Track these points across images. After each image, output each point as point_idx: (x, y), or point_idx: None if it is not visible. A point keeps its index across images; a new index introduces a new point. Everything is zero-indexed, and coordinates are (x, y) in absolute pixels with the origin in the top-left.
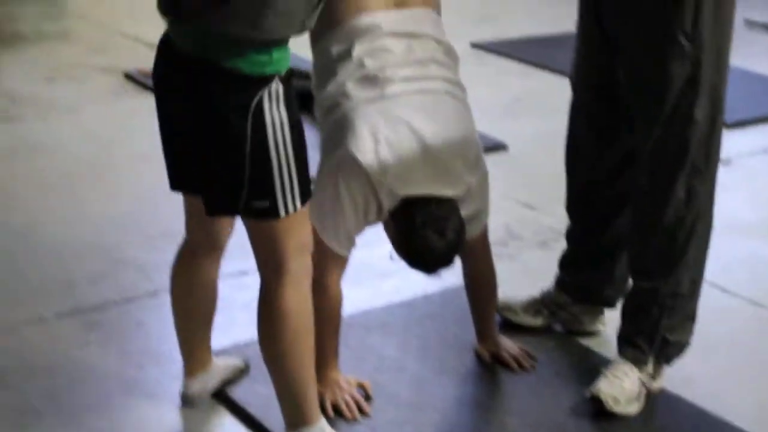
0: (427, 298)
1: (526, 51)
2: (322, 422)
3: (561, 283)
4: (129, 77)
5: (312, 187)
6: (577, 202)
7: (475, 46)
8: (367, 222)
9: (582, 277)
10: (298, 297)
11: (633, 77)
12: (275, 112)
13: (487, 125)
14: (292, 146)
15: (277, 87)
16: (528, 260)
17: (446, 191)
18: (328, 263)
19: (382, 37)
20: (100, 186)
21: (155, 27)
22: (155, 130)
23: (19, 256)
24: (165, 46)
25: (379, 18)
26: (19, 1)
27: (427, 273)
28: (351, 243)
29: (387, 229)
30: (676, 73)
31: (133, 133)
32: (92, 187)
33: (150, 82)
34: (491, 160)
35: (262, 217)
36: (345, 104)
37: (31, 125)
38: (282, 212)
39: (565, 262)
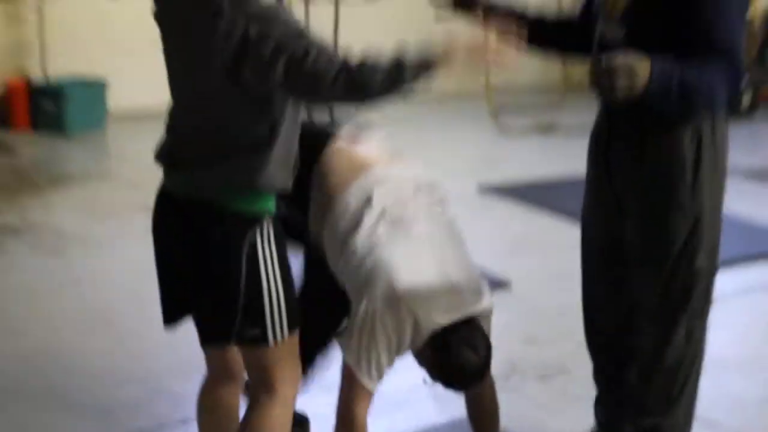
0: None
1: (527, 194)
2: None
3: (599, 423)
4: None
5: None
6: (596, 349)
7: (482, 188)
8: (398, 355)
9: (607, 414)
10: (285, 417)
11: (638, 231)
12: (266, 249)
13: (490, 263)
14: (281, 280)
15: (268, 225)
16: (530, 394)
17: (467, 311)
18: (357, 396)
19: (395, 182)
20: (140, 317)
21: None
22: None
23: (59, 381)
24: (161, 192)
25: (387, 170)
26: (67, 145)
27: (462, 388)
28: (381, 377)
29: (421, 356)
30: (680, 228)
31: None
32: (132, 318)
33: None
34: (495, 298)
35: (254, 344)
36: (378, 249)
37: (77, 260)
38: (271, 340)
39: (596, 401)
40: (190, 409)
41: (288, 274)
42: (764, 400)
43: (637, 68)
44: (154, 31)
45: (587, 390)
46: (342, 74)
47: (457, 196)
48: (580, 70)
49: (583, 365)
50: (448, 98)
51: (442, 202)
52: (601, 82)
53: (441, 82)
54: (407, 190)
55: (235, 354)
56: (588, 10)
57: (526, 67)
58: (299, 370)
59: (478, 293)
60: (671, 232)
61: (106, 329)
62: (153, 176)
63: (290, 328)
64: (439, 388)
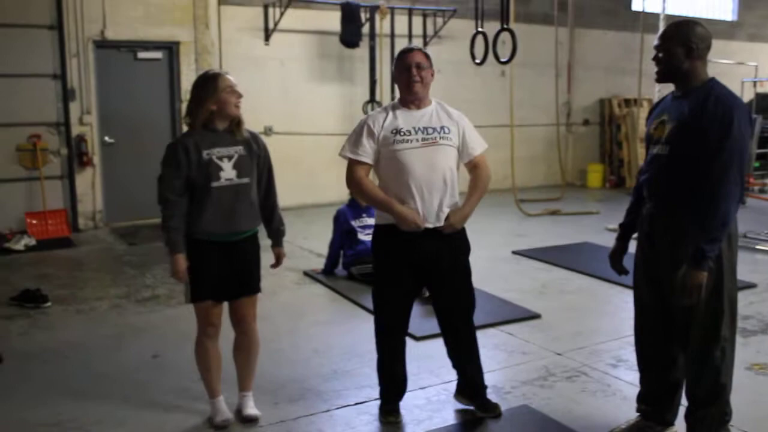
0: None
1: (546, 255)
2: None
3: (641, 412)
4: (306, 274)
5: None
6: (646, 361)
7: (515, 253)
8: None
9: (655, 409)
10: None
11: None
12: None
13: (525, 303)
14: None
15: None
16: (561, 390)
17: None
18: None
19: None
20: (295, 343)
21: (319, 242)
22: (324, 305)
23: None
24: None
25: None
26: None
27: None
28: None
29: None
30: (706, 283)
31: (312, 307)
32: (289, 343)
33: (319, 277)
34: (530, 326)
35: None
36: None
37: None
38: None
39: (642, 399)
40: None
41: None
42: None
43: (702, 279)
44: None
45: (600, 386)
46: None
47: (498, 258)
48: (571, 174)
49: (596, 368)
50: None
51: None
52: (688, 295)
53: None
54: None
55: (220, 318)
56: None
57: (537, 172)
58: None
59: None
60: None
61: (271, 352)
62: (297, 251)
63: None
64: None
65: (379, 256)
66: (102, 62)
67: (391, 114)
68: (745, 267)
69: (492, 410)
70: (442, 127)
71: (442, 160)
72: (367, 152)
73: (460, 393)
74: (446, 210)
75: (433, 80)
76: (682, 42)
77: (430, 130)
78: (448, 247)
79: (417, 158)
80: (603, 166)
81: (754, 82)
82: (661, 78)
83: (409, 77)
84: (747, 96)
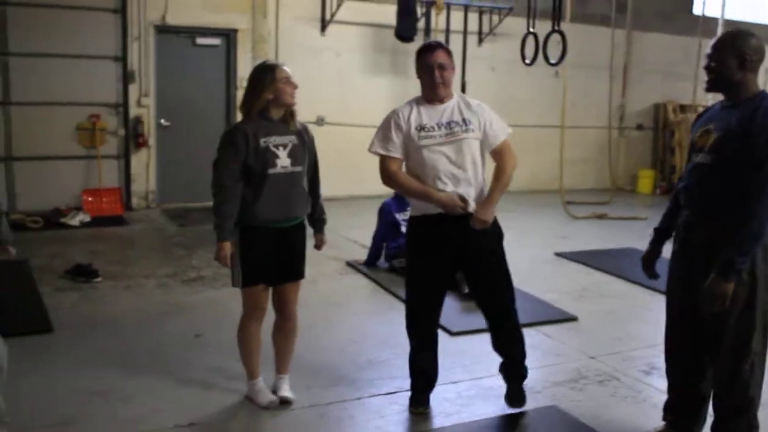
0: None
1: (588, 259)
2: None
3: (668, 421)
4: (348, 264)
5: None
6: (676, 372)
7: (557, 254)
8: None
9: (682, 420)
10: None
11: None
12: None
13: (563, 305)
14: None
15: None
16: (591, 393)
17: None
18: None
19: None
20: (332, 331)
21: (364, 232)
22: (364, 296)
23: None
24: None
25: None
26: None
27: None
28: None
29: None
30: (740, 296)
31: (351, 297)
32: (326, 331)
33: (361, 268)
34: (567, 328)
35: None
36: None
37: None
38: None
39: (669, 409)
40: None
41: None
42: None
43: (728, 289)
44: None
45: (631, 392)
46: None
47: (541, 259)
48: (622, 179)
49: (629, 374)
50: (534, 194)
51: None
52: (713, 304)
53: (528, 183)
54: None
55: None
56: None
57: (586, 175)
58: None
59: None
60: (735, 301)
61: (309, 338)
62: (341, 241)
63: None
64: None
65: (412, 245)
66: (162, 47)
67: (415, 109)
68: None
69: (516, 401)
70: (464, 120)
71: (467, 152)
72: (396, 147)
73: (501, 370)
74: (472, 201)
75: (453, 75)
76: (736, 53)
77: (453, 124)
78: (480, 234)
79: (442, 153)
80: (654, 172)
81: None
82: (711, 87)
83: (431, 78)
84: None
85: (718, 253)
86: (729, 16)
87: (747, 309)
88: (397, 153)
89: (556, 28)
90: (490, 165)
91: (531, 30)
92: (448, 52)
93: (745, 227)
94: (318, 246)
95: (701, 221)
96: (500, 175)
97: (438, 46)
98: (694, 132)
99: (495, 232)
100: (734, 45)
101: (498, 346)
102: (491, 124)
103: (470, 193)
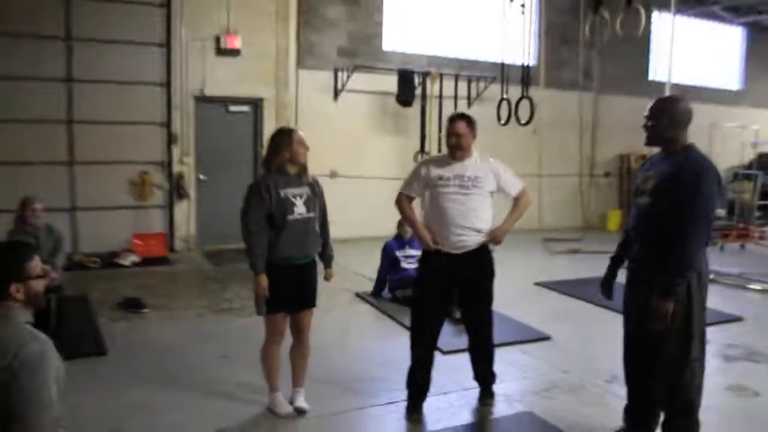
0: None
1: (564, 287)
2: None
3: (627, 422)
4: (357, 295)
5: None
6: (632, 380)
7: (537, 284)
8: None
9: (638, 421)
10: None
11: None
12: None
13: (540, 326)
14: None
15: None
16: (563, 401)
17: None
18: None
19: None
20: (341, 351)
21: (371, 268)
22: (370, 322)
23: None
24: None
25: None
26: None
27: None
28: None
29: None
30: (678, 313)
31: (359, 323)
32: (336, 351)
33: (368, 298)
34: (543, 345)
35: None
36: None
37: None
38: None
39: (627, 411)
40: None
41: None
42: None
43: (668, 307)
44: None
45: (596, 399)
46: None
47: (523, 288)
48: (594, 219)
49: (595, 384)
50: (518, 233)
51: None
52: (658, 321)
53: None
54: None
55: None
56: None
57: (563, 217)
58: None
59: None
60: (674, 317)
61: (322, 362)
62: (351, 275)
63: None
64: None
65: (420, 275)
66: (200, 113)
67: (440, 162)
68: (734, 303)
69: (485, 399)
70: (476, 177)
71: (474, 203)
72: (413, 190)
73: (475, 377)
74: (473, 239)
75: (475, 140)
76: (668, 115)
77: (466, 179)
78: (477, 271)
79: (452, 201)
80: (621, 212)
81: (755, 143)
82: (649, 142)
83: (450, 143)
84: (748, 155)
85: (658, 278)
86: (676, 80)
87: (684, 323)
88: (413, 193)
89: (525, 94)
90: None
91: (504, 96)
92: (469, 123)
93: (679, 257)
94: (327, 278)
95: (646, 252)
96: (514, 208)
97: (460, 118)
98: (639, 178)
99: (489, 270)
100: (666, 109)
101: (475, 358)
102: (505, 179)
103: (471, 235)
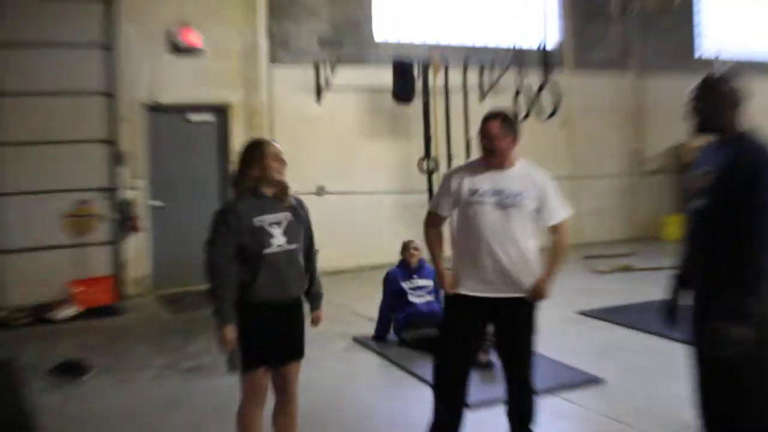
0: None
1: (613, 314)
2: None
3: None
4: (356, 340)
5: None
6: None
7: (579, 312)
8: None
9: None
10: None
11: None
12: None
13: (587, 366)
14: None
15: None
16: None
17: None
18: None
19: None
20: (339, 414)
21: (371, 305)
22: (373, 373)
23: None
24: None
25: None
26: None
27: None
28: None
29: None
30: (750, 336)
31: (359, 376)
32: (332, 414)
33: (369, 343)
34: (592, 391)
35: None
36: None
37: None
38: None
39: None
40: None
41: None
42: None
43: (742, 334)
44: None
45: None
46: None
47: (563, 319)
48: (646, 227)
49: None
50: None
51: None
52: (727, 349)
53: (545, 239)
54: None
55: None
56: None
57: (607, 227)
58: None
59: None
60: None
61: (317, 416)
62: (348, 316)
63: None
64: None
65: (446, 312)
66: (153, 126)
67: (473, 171)
68: None
69: None
70: (519, 193)
71: (515, 224)
72: (443, 207)
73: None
74: (514, 277)
75: (515, 145)
76: (716, 96)
77: (506, 193)
78: (517, 303)
79: (489, 220)
80: (681, 217)
81: None
82: (697, 130)
83: (484, 147)
84: None
85: (726, 296)
86: (728, 55)
87: (760, 349)
88: (443, 212)
89: (545, 82)
90: None
91: (521, 85)
92: (505, 122)
93: (746, 268)
94: (315, 322)
95: (709, 267)
96: (558, 251)
97: (495, 116)
98: (690, 177)
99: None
100: (713, 87)
101: (512, 410)
102: (551, 201)
103: (512, 268)
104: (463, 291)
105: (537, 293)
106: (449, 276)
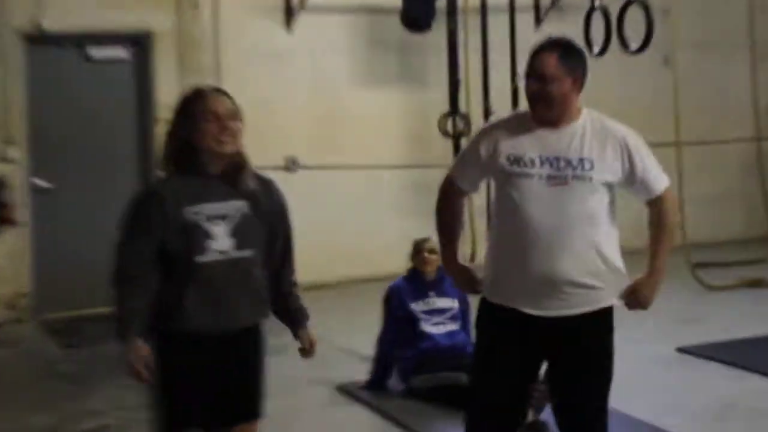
0: None
1: (736, 354)
2: None
3: None
4: (341, 389)
5: None
6: None
7: (681, 350)
8: None
9: None
10: None
11: None
12: None
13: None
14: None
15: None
16: None
17: None
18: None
19: None
20: None
21: (365, 337)
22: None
23: None
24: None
25: None
26: None
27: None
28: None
29: None
30: None
31: None
32: None
33: (362, 394)
34: None
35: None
36: None
37: None
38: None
39: None
40: None
41: None
42: None
43: None
44: None
45: None
46: None
47: (656, 359)
48: None
49: None
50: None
51: None
52: None
53: (629, 235)
54: None
55: None
56: None
57: (727, 220)
58: None
59: None
60: None
61: None
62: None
63: None
64: None
65: (480, 337)
66: (36, 65)
67: (514, 131)
68: None
69: None
70: (581, 160)
71: (576, 207)
72: (465, 179)
73: None
74: (581, 285)
75: (579, 91)
76: None
77: (563, 163)
78: (583, 326)
79: (539, 201)
80: None
81: None
82: None
83: (531, 94)
84: None
85: None
86: None
87: None
88: (463, 184)
89: None
90: None
91: (595, 4)
92: (566, 55)
93: None
94: (306, 351)
95: None
96: (663, 232)
97: (551, 47)
98: None
99: (607, 325)
100: None
101: None
102: (642, 165)
103: (575, 270)
104: (505, 302)
105: (635, 298)
106: (462, 272)
